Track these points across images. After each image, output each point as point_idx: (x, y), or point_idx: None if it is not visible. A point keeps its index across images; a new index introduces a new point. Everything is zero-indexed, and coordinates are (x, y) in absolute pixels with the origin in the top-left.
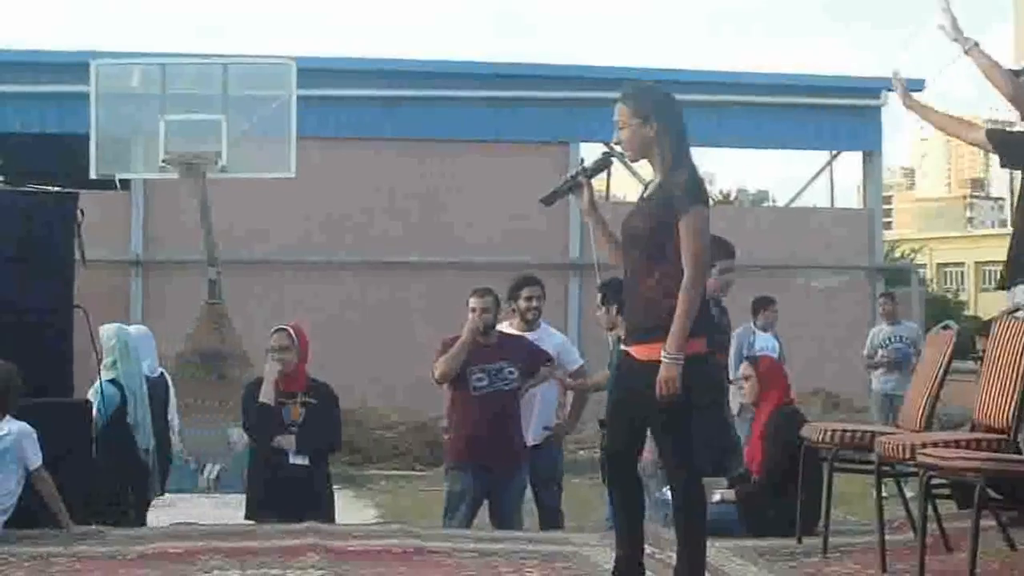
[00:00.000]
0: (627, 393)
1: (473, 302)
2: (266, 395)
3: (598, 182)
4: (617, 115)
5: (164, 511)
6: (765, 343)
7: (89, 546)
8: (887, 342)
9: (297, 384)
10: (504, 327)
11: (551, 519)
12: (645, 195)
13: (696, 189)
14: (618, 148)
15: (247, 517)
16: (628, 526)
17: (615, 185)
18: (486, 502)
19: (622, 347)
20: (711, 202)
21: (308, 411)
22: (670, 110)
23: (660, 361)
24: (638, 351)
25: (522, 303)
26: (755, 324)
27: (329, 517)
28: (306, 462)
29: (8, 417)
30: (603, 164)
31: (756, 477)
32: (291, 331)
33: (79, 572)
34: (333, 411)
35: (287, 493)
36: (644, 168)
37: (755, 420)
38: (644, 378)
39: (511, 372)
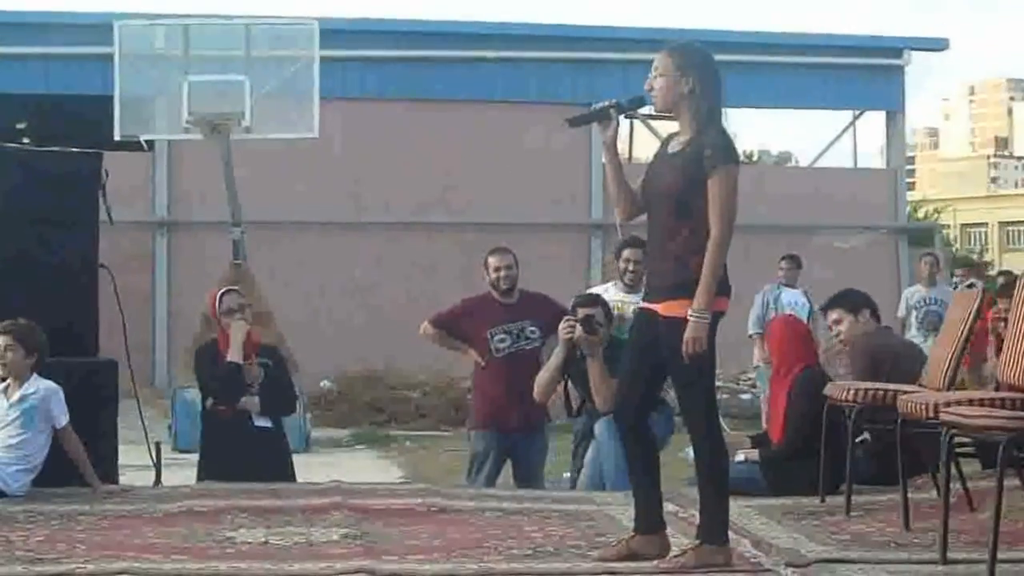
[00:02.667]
0: (646, 349)
1: (493, 261)
2: (235, 354)
3: (621, 143)
4: (657, 63)
5: (190, 470)
6: (790, 299)
7: (115, 504)
8: (921, 303)
9: (250, 346)
10: (607, 287)
11: None
12: (671, 151)
13: (727, 148)
14: (652, 94)
15: (202, 478)
16: (643, 481)
17: (638, 148)
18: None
19: (642, 303)
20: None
21: (266, 372)
22: (709, 71)
23: (685, 319)
24: (663, 308)
25: (621, 264)
26: (781, 281)
27: (293, 478)
28: (269, 424)
29: (35, 376)
30: (638, 103)
31: (781, 439)
32: (240, 291)
33: (105, 530)
34: (287, 373)
35: (251, 456)
36: (665, 132)
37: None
38: (667, 335)
39: (533, 331)
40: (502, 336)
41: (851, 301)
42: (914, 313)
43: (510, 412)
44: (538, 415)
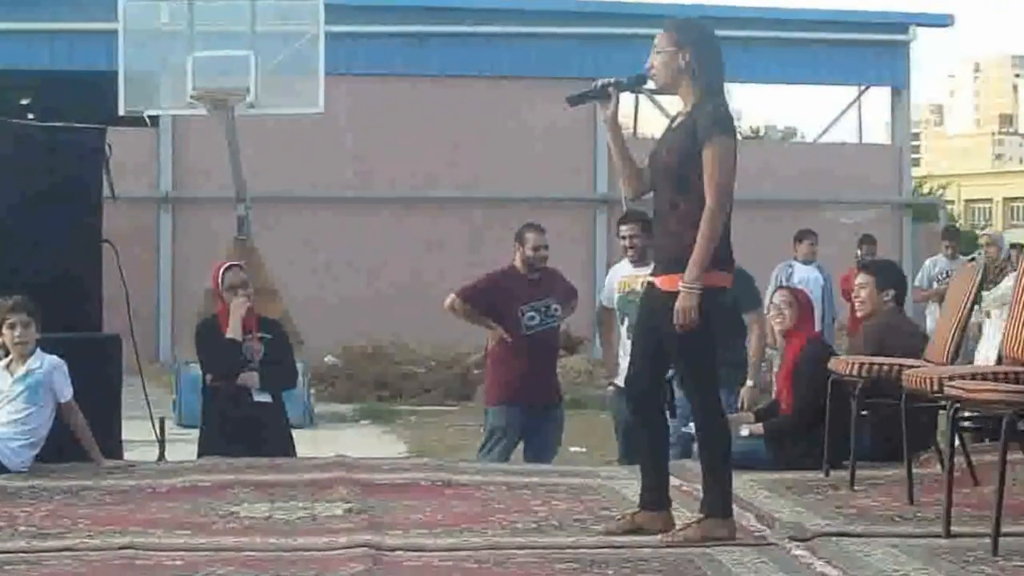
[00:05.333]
0: (650, 324)
1: (532, 238)
2: (234, 331)
3: (626, 119)
4: (656, 40)
5: (194, 446)
6: (806, 275)
7: (119, 479)
8: (943, 275)
9: (251, 321)
10: (623, 264)
11: None
12: (672, 127)
13: (722, 120)
14: (652, 72)
15: (202, 454)
16: (652, 457)
17: (642, 124)
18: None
19: (648, 278)
20: (738, 135)
21: (266, 347)
22: (708, 45)
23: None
24: (662, 282)
25: (621, 240)
26: (795, 258)
27: (293, 453)
28: (269, 399)
29: (39, 350)
30: (638, 81)
31: (786, 413)
32: (243, 267)
33: (109, 505)
34: (288, 346)
35: (251, 431)
36: (672, 107)
37: (785, 354)
38: (666, 309)
39: (556, 308)
40: (532, 314)
41: (884, 275)
42: (935, 285)
43: (533, 389)
44: (556, 393)
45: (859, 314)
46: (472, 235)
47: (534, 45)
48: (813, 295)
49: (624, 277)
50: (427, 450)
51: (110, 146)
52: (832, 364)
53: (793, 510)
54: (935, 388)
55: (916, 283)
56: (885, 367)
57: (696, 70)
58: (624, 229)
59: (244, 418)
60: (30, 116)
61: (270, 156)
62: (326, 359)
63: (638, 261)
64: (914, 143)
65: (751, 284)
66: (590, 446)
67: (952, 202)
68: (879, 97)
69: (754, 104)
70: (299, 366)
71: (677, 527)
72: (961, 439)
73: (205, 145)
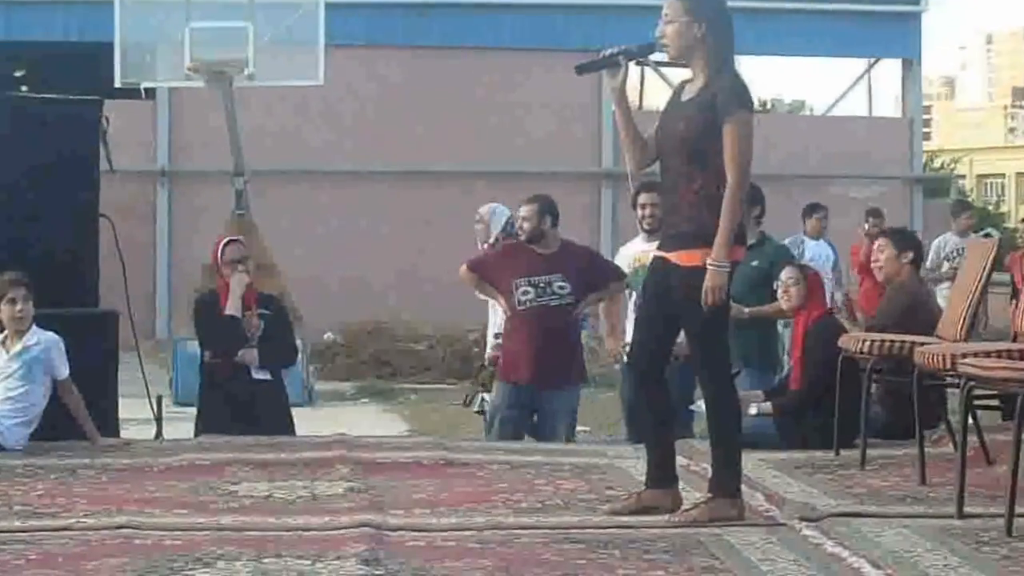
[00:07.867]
0: (661, 300)
1: (519, 209)
2: (234, 308)
3: (631, 91)
4: (667, 9)
5: (191, 424)
6: (817, 251)
7: (115, 458)
8: (954, 254)
9: (250, 297)
10: (635, 241)
11: None
12: (684, 98)
13: (741, 93)
14: (663, 42)
15: (199, 432)
16: (657, 433)
17: (649, 96)
18: None
19: (657, 252)
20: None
21: (265, 324)
22: (721, 14)
23: (702, 267)
24: (679, 257)
25: (638, 211)
26: (804, 233)
27: (292, 431)
28: (268, 377)
29: (35, 327)
30: (647, 51)
31: (795, 390)
32: (243, 242)
33: (105, 484)
34: (288, 323)
35: (250, 409)
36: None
37: (794, 331)
38: (683, 285)
39: (562, 286)
40: (526, 288)
41: (901, 239)
42: (946, 264)
43: (529, 368)
44: (563, 374)
45: (879, 278)
46: (475, 210)
47: (539, 16)
48: (825, 271)
49: (639, 253)
50: (428, 428)
51: (107, 118)
52: (842, 341)
53: (803, 490)
54: (948, 366)
55: (928, 265)
56: (897, 344)
57: (711, 41)
58: (644, 198)
59: (243, 396)
60: (24, 88)
61: (269, 129)
62: (326, 336)
63: (653, 232)
64: (925, 116)
65: None
66: (595, 425)
67: (964, 177)
68: (890, 70)
69: (762, 76)
70: (298, 343)
71: (685, 507)
72: (975, 417)
73: (203, 118)
